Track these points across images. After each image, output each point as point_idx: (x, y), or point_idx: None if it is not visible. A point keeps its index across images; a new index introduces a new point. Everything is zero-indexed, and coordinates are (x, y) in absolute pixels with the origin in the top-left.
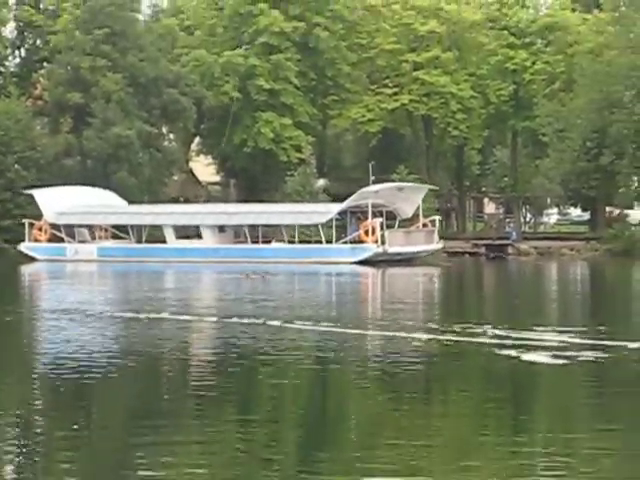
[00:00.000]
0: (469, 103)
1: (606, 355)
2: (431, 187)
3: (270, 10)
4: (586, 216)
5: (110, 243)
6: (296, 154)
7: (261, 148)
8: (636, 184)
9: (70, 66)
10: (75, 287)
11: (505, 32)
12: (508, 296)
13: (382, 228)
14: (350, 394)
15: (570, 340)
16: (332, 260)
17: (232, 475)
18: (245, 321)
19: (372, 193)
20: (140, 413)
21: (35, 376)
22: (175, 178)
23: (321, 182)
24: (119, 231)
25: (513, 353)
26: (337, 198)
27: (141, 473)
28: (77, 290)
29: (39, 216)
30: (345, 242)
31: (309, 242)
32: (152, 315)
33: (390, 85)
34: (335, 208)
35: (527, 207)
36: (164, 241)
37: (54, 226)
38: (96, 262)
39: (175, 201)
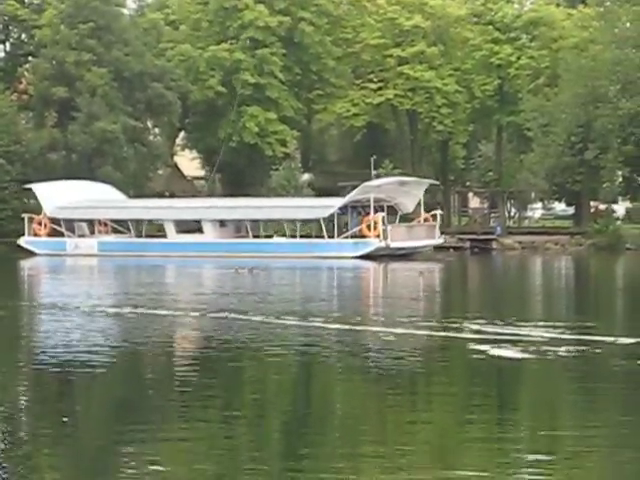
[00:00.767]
0: (454, 98)
1: (582, 350)
2: (432, 182)
3: (255, 5)
4: (570, 211)
5: (111, 238)
6: (281, 148)
7: (246, 142)
8: (620, 179)
9: (55, 60)
10: (75, 282)
11: (490, 27)
12: (494, 291)
13: (384, 223)
14: (334, 389)
15: (548, 335)
16: (334, 255)
17: (216, 471)
18: (231, 316)
19: (374, 187)
20: (124, 409)
21: (21, 370)
22: (160, 172)
23: (306, 176)
24: (118, 225)
25: (485, 348)
26: (322, 192)
27: (125, 470)
28: (76, 285)
29: (33, 210)
30: (347, 237)
31: (310, 236)
32: (143, 311)
33: (375, 80)
34: (337, 202)
35: (511, 202)
36: (164, 235)
37: (54, 220)
38: (96, 257)
39: (160, 195)
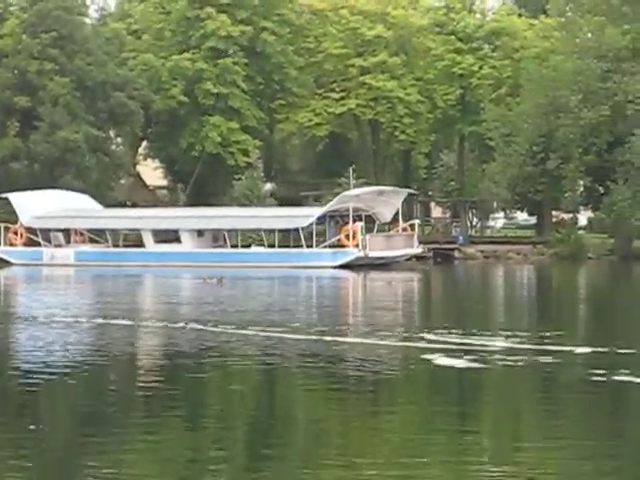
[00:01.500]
0: (416, 107)
1: (533, 359)
2: (411, 191)
3: (217, 14)
4: (532, 220)
5: (88, 247)
6: (243, 158)
7: (208, 152)
8: (582, 188)
9: (17, 70)
10: (50, 292)
11: (452, 37)
12: (457, 301)
13: (363, 232)
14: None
15: (503, 344)
16: (313, 264)
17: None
18: (195, 326)
19: (353, 197)
20: (88, 418)
21: None
22: (122, 182)
23: (268, 186)
24: (95, 235)
25: (434, 357)
26: (284, 202)
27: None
28: (52, 295)
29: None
30: (325, 246)
31: (288, 246)
32: (102, 321)
33: (337, 89)
34: (316, 212)
35: (474, 211)
36: (142, 245)
37: (30, 230)
38: (73, 266)
39: (122, 205)
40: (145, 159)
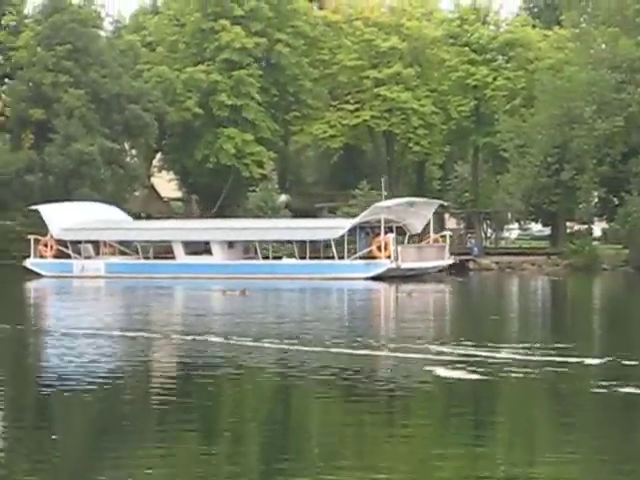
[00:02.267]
0: (430, 119)
1: (541, 371)
2: (442, 203)
3: (232, 26)
4: (547, 231)
5: (118, 259)
6: (258, 170)
7: (223, 164)
8: (596, 199)
9: (32, 82)
10: (79, 304)
11: (466, 48)
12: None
13: (394, 244)
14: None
15: (512, 356)
16: (345, 276)
17: None
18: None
19: (384, 208)
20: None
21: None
22: (137, 194)
23: (283, 198)
24: (124, 247)
25: (437, 369)
26: (299, 214)
27: None
28: (80, 308)
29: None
30: (357, 258)
31: (319, 258)
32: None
33: (351, 101)
34: (347, 223)
35: (488, 222)
36: (172, 257)
37: (60, 242)
38: (104, 278)
39: (137, 217)
40: (160, 171)
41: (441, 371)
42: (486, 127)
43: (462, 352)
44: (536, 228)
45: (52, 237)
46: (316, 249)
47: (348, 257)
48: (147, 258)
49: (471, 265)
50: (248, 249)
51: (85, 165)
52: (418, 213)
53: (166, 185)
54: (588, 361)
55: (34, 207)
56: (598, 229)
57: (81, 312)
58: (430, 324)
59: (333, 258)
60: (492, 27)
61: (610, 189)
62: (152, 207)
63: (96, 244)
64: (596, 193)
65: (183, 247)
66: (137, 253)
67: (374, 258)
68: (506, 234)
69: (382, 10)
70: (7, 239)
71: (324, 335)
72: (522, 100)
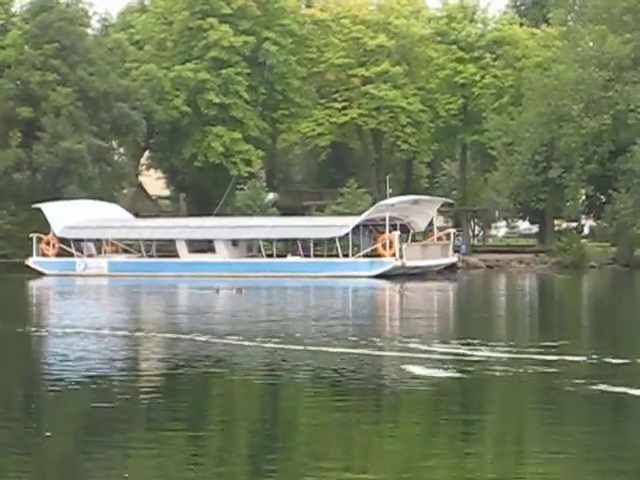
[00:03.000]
0: (418, 117)
1: (513, 370)
2: (446, 200)
3: (219, 25)
4: (534, 229)
5: (121, 257)
6: (246, 168)
7: (211, 162)
8: (584, 197)
9: (20, 80)
10: (80, 303)
11: (454, 46)
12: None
13: (399, 242)
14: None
15: (490, 354)
16: (350, 274)
17: None
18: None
19: (389, 206)
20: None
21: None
22: (125, 192)
23: (271, 196)
24: (126, 245)
25: (411, 366)
26: (287, 212)
27: None
28: (81, 307)
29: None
30: (361, 256)
31: (323, 256)
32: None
33: (339, 99)
34: (352, 221)
35: (476, 220)
36: (175, 255)
37: (62, 240)
38: (107, 277)
39: None
40: (148, 169)
41: (421, 370)
42: (474, 125)
43: (448, 350)
44: (524, 226)
45: (54, 235)
46: (321, 247)
47: (353, 255)
48: (151, 256)
49: (459, 263)
50: (252, 247)
51: (73, 163)
52: (421, 211)
53: (154, 183)
54: (573, 359)
55: (37, 205)
56: (586, 227)
57: (84, 310)
58: (420, 322)
59: (338, 256)
60: (480, 25)
61: (598, 187)
62: (140, 205)
63: (98, 242)
64: (584, 191)
65: (186, 245)
66: (139, 251)
67: (379, 256)
68: (494, 232)
69: (370, 8)
70: None
71: (308, 333)
72: (510, 98)
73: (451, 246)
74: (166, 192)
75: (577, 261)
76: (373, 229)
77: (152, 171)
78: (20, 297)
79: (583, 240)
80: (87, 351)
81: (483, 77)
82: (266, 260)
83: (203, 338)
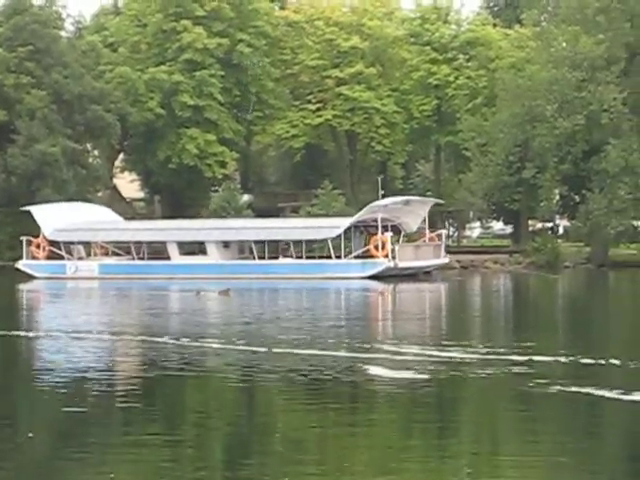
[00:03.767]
0: (392, 118)
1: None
2: (437, 201)
3: (193, 27)
4: (508, 229)
5: (112, 260)
6: (221, 170)
7: (185, 164)
8: (558, 197)
9: None
10: (70, 306)
11: (427, 47)
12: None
13: (392, 242)
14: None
15: (458, 355)
16: (342, 275)
17: None
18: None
19: (381, 207)
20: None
21: None
22: (100, 194)
23: (246, 197)
24: (116, 248)
25: (373, 368)
26: (262, 213)
27: None
28: (69, 310)
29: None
30: (353, 257)
31: (315, 257)
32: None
33: (314, 101)
34: (344, 223)
35: (450, 221)
36: (167, 257)
37: (53, 243)
38: (97, 279)
39: None
40: (122, 172)
41: (390, 372)
42: (448, 126)
43: (409, 351)
44: (498, 226)
45: (44, 238)
46: (312, 249)
47: (345, 256)
48: (141, 259)
49: None
50: (243, 249)
51: (47, 166)
52: (413, 212)
53: (128, 186)
54: (546, 359)
55: (25, 208)
56: (560, 227)
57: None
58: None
59: (330, 258)
60: (453, 26)
61: (571, 187)
62: (115, 208)
63: (88, 245)
64: (557, 191)
65: (178, 247)
66: (129, 254)
67: (371, 257)
68: (468, 233)
69: (343, 10)
70: None
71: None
72: (483, 99)
73: (443, 247)
74: (140, 194)
75: (551, 261)
76: (364, 230)
77: (126, 173)
78: (9, 300)
79: (557, 240)
80: (64, 353)
81: (457, 78)
82: (258, 262)
83: (177, 341)
